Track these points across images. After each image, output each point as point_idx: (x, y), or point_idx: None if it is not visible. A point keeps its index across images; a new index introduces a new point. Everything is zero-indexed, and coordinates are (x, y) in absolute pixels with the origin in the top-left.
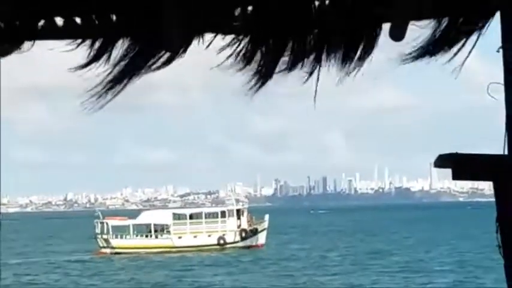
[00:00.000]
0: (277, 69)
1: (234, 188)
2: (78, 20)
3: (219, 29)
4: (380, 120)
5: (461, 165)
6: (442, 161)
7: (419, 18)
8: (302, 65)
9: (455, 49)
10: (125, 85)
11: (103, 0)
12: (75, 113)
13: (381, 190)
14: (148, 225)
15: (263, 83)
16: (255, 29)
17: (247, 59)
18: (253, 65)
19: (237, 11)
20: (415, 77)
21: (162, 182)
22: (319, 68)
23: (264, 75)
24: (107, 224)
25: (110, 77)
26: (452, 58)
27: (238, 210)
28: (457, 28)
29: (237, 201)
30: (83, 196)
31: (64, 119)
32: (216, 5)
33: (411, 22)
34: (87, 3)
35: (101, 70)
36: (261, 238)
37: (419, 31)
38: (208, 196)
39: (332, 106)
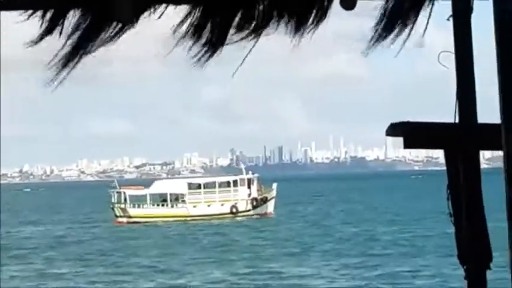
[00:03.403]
0: (227, 39)
1: (190, 159)
2: None
3: None
4: (335, 89)
5: (412, 133)
6: (394, 130)
7: None
8: (252, 33)
9: (410, 22)
10: (80, 58)
11: None
12: (29, 86)
13: (336, 160)
14: (163, 195)
15: (213, 53)
16: None
17: (198, 30)
18: (204, 35)
19: None
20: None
21: (118, 154)
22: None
23: (214, 45)
24: (124, 193)
25: (65, 52)
26: (410, 31)
27: (249, 180)
28: None
29: (193, 171)
30: (38, 168)
31: (18, 92)
32: None
33: None
34: None
35: (55, 43)
36: (270, 207)
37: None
38: (164, 167)
39: (286, 75)
